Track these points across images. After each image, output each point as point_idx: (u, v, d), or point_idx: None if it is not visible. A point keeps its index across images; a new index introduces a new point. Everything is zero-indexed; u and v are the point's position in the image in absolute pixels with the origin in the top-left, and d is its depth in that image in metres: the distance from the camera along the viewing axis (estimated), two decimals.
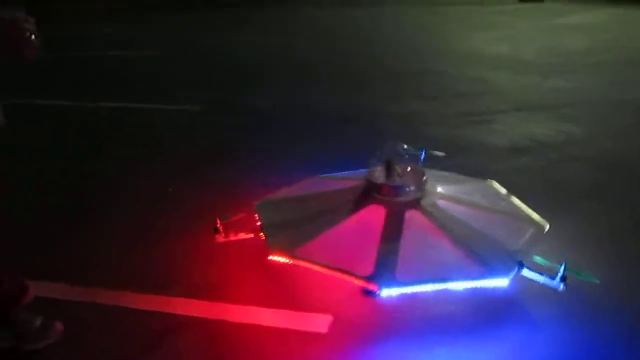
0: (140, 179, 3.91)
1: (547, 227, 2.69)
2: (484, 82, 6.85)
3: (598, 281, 2.29)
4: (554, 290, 2.33)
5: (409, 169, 2.75)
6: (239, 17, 13.74)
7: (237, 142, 4.68)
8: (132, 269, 2.81)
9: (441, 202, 2.68)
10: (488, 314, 2.43)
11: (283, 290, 2.58)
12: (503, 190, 3.10)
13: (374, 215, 2.57)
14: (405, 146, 2.82)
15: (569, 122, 5.20)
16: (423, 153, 3.49)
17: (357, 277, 2.29)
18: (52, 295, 2.59)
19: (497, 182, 3.28)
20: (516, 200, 2.97)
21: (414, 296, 2.35)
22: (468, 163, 4.09)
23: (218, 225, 2.67)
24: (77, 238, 3.11)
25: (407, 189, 2.66)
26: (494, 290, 2.35)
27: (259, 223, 2.72)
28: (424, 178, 2.72)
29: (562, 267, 2.29)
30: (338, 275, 2.33)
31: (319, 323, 2.39)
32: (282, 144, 4.60)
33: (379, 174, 2.73)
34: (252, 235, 2.71)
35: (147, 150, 4.50)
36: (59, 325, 2.29)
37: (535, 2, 16.51)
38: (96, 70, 7.56)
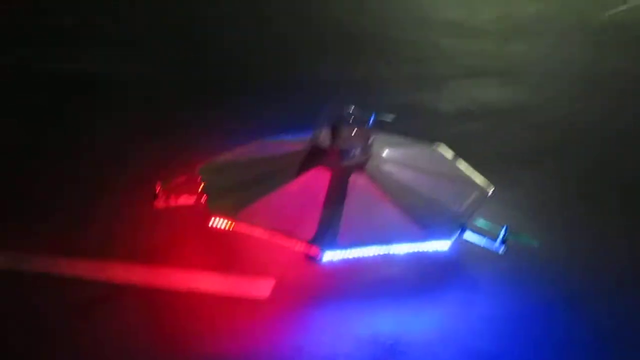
0: (86, 141, 3.75)
1: (491, 190, 2.71)
2: (437, 48, 6.81)
3: (537, 244, 2.32)
4: (495, 252, 2.36)
5: (355, 132, 2.70)
6: None
7: (182, 105, 4.53)
8: (70, 235, 2.70)
9: (387, 166, 2.66)
10: (430, 276, 2.45)
11: (225, 256, 2.54)
12: (450, 154, 3.10)
13: (319, 178, 2.53)
14: (353, 108, 2.76)
15: (520, 88, 5.24)
16: (372, 116, 3.46)
17: (298, 239, 2.26)
18: None
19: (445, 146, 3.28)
20: (462, 164, 2.97)
21: (357, 260, 2.35)
22: (417, 127, 4.07)
23: (157, 190, 2.57)
24: (17, 202, 2.96)
25: (353, 153, 2.62)
26: (436, 253, 2.36)
27: (201, 187, 2.64)
28: (370, 141, 2.69)
29: (503, 230, 2.31)
30: (280, 238, 2.30)
31: (261, 288, 2.37)
32: (229, 108, 4.48)
33: (324, 137, 2.68)
34: (193, 200, 2.63)
35: (96, 111, 4.31)
36: None
37: None
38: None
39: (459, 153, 3.28)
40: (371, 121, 3.39)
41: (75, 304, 2.28)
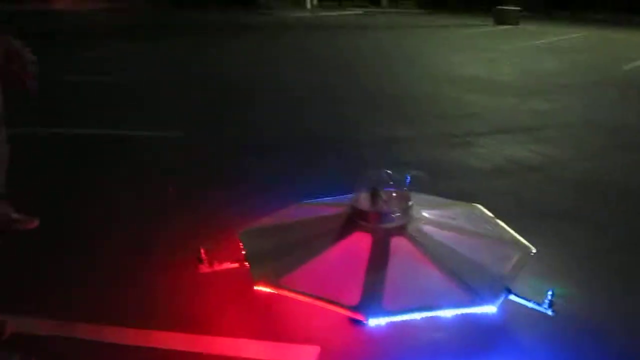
0: (123, 208, 3.82)
1: (533, 251, 2.69)
2: (462, 104, 6.92)
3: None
4: (543, 315, 2.32)
5: (394, 194, 2.73)
6: (223, 40, 13.74)
7: (220, 169, 4.61)
8: (114, 301, 2.72)
9: (427, 228, 2.67)
10: (477, 340, 2.40)
11: (269, 321, 2.52)
12: (488, 214, 3.10)
13: (360, 242, 2.55)
14: (389, 172, 2.80)
15: (547, 143, 5.26)
16: (408, 178, 3.50)
17: (343, 307, 2.26)
18: (31, 331, 2.51)
19: (481, 205, 3.29)
20: (501, 224, 2.97)
21: (402, 324, 2.32)
22: (451, 186, 4.09)
23: (202, 254, 2.61)
24: (59, 270, 3.01)
25: (393, 216, 2.64)
26: (482, 316, 2.33)
27: (243, 252, 2.67)
28: (409, 203, 2.71)
29: (550, 293, 2.28)
30: (324, 305, 2.29)
31: (306, 354, 2.34)
32: (266, 171, 4.54)
33: (363, 201, 2.71)
34: (236, 265, 2.66)
35: (129, 180, 4.40)
36: None
37: (511, 25, 16.86)
38: (79, 95, 7.45)
39: (495, 210, 3.28)
40: (407, 182, 3.43)
41: None
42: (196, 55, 10.93)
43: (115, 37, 14.16)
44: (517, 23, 16.97)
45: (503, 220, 3.05)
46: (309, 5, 23.95)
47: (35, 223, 3.42)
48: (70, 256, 3.16)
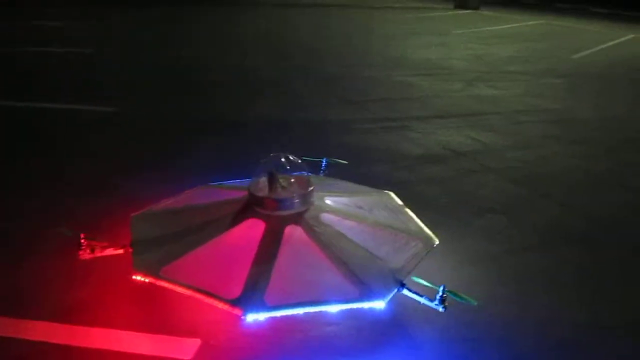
0: (28, 188, 3.60)
1: (436, 242, 2.60)
2: (407, 88, 6.80)
3: (476, 303, 2.19)
4: (436, 311, 2.23)
5: (293, 180, 2.59)
6: (175, 16, 13.31)
7: (141, 150, 4.40)
8: None
9: (326, 216, 2.54)
10: (368, 336, 2.31)
11: (150, 313, 2.38)
12: (398, 203, 3.00)
13: (252, 230, 2.41)
14: (291, 157, 2.65)
15: (485, 130, 5.19)
16: (324, 162, 3.36)
17: (221, 300, 2.12)
18: None
19: (400, 193, 3.18)
20: (410, 214, 2.87)
21: (290, 318, 2.21)
22: (374, 172, 3.98)
23: (82, 240, 2.43)
24: None
25: (290, 202, 2.50)
26: (371, 311, 2.23)
27: (130, 238, 2.50)
28: (309, 189, 2.57)
29: (441, 289, 2.18)
30: (203, 297, 2.15)
31: (186, 348, 2.20)
32: (185, 153, 4.35)
33: (261, 186, 2.57)
34: (121, 251, 2.49)
35: (45, 156, 4.15)
36: None
37: (471, 9, 16.80)
38: (20, 67, 7.09)
39: (417, 199, 3.18)
40: (322, 167, 3.30)
41: None
42: (146, 31, 10.54)
43: (65, 8, 13.58)
44: (477, 8, 16.90)
45: (419, 210, 2.94)
46: None
47: None
48: None
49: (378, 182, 3.49)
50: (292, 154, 2.72)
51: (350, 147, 4.53)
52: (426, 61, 8.57)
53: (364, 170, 3.91)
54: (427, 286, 2.28)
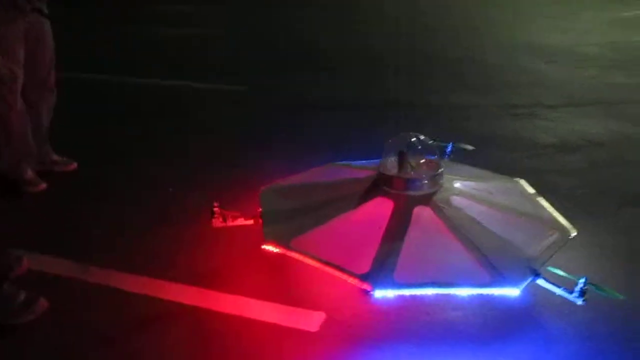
0: (162, 158, 3.83)
1: (574, 234, 2.43)
2: (536, 74, 6.43)
3: (622, 297, 2.03)
4: (573, 304, 2.10)
5: (422, 161, 2.53)
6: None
7: (270, 126, 4.53)
8: (132, 250, 2.74)
9: (456, 199, 2.47)
10: (497, 324, 2.22)
11: (277, 283, 2.44)
12: (531, 190, 2.84)
13: (381, 209, 2.39)
14: (422, 137, 2.59)
15: (625, 120, 4.80)
16: (450, 146, 3.27)
17: (350, 274, 2.12)
18: (46, 269, 2.55)
19: (531, 181, 3.01)
20: (544, 202, 2.71)
21: (417, 299, 2.18)
22: (503, 159, 3.81)
23: (215, 208, 2.54)
24: (86, 215, 3.06)
25: (419, 183, 2.45)
26: (505, 299, 2.14)
27: (259, 209, 2.58)
28: (439, 171, 2.51)
29: (582, 281, 2.04)
30: (332, 271, 2.17)
31: (311, 321, 2.24)
32: (307, 129, 4.42)
33: (390, 166, 2.54)
34: (252, 222, 2.57)
35: (176, 131, 4.40)
36: (43, 302, 2.24)
37: None
38: (145, 48, 7.56)
39: (549, 189, 3.00)
40: (448, 151, 3.21)
41: (130, 319, 2.27)
42: (272, 13, 10.81)
43: None
44: None
45: (553, 200, 2.78)
46: None
47: (74, 165, 3.48)
48: (99, 202, 3.20)
49: (505, 171, 3.33)
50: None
51: (473, 133, 4.36)
52: (554, 46, 8.07)
53: (488, 157, 3.73)
54: (565, 277, 2.14)
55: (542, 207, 2.66)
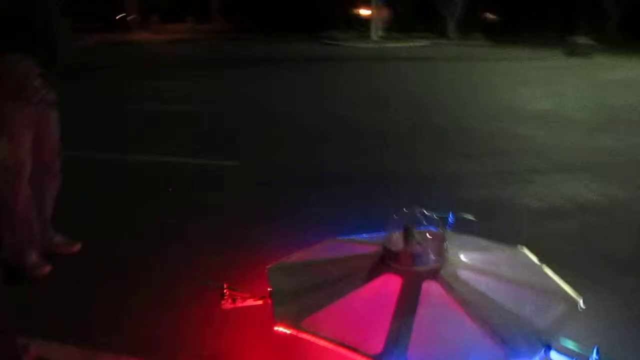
0: (162, 237, 3.83)
1: (581, 303, 2.46)
2: (524, 140, 6.63)
3: None
4: None
5: (428, 235, 2.58)
6: (280, 74, 13.94)
7: (265, 201, 4.57)
8: (138, 332, 2.71)
9: (463, 273, 2.50)
10: None
11: None
12: (534, 259, 2.89)
13: (389, 285, 2.41)
14: (426, 212, 2.65)
15: (614, 184, 4.92)
16: (451, 216, 3.32)
17: (364, 355, 2.12)
18: (52, 357, 2.52)
19: (530, 249, 3.07)
20: (548, 271, 2.75)
21: None
22: (501, 227, 3.85)
23: (225, 290, 2.55)
24: (91, 297, 3.03)
25: (426, 258, 2.49)
26: None
27: (268, 289, 2.59)
28: (445, 245, 2.55)
29: (594, 352, 2.06)
30: (345, 351, 2.17)
31: None
32: (305, 205, 4.46)
33: (396, 240, 2.58)
34: (260, 302, 2.58)
35: (171, 209, 4.43)
36: None
37: (583, 56, 16.24)
38: (136, 124, 7.70)
39: (547, 256, 3.04)
40: (449, 221, 3.26)
41: None
42: (256, 89, 11.10)
43: (179, 68, 14.68)
44: (589, 55, 16.32)
45: (554, 268, 2.82)
46: (374, 37, 23.96)
47: (77, 247, 3.48)
48: (103, 283, 3.17)
49: (503, 239, 3.38)
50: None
51: (468, 201, 4.43)
52: (540, 112, 8.34)
53: (486, 225, 3.78)
54: (575, 350, 2.15)
55: (547, 276, 2.69)
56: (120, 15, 30.16)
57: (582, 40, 17.01)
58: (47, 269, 3.21)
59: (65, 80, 3.30)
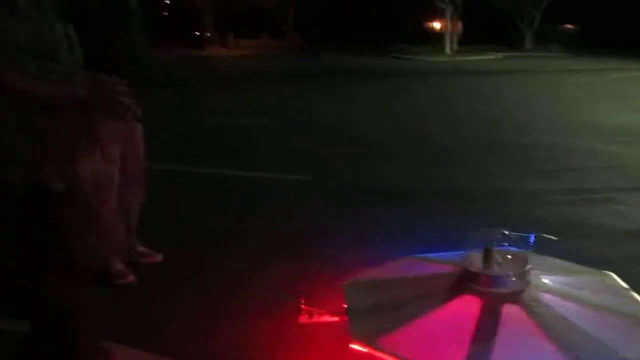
0: (239, 250, 3.91)
1: None
2: (604, 156, 6.35)
3: None
4: None
5: (509, 256, 2.51)
6: (350, 89, 14.00)
7: (337, 216, 4.59)
8: (215, 344, 2.77)
9: (546, 297, 2.40)
10: None
11: None
12: (623, 285, 2.74)
13: (468, 307, 2.35)
14: (507, 232, 2.58)
15: None
16: (532, 237, 3.22)
17: None
18: None
19: (616, 273, 2.92)
20: (637, 297, 2.61)
21: None
22: (583, 249, 3.70)
23: (301, 304, 2.57)
24: (169, 308, 3.13)
25: (507, 280, 2.42)
26: None
27: (344, 306, 2.59)
28: (527, 267, 2.47)
29: None
30: None
31: None
32: (377, 221, 4.44)
33: (475, 261, 2.52)
34: (337, 319, 2.58)
35: (245, 222, 4.52)
36: None
37: None
38: (209, 137, 7.93)
39: (634, 280, 2.89)
40: (530, 242, 3.16)
41: None
42: (327, 103, 11.20)
43: (252, 82, 15.00)
44: None
45: None
46: (448, 50, 23.66)
47: (158, 258, 3.62)
48: (183, 294, 3.27)
49: (587, 261, 3.23)
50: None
51: (547, 221, 4.28)
52: (620, 126, 7.97)
53: (568, 247, 3.63)
54: None
55: (636, 302, 2.55)
56: (198, 32, 31.35)
57: None
58: (132, 277, 3.35)
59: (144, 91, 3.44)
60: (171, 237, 4.05)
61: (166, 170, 5.81)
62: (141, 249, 3.60)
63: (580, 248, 3.73)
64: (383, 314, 2.46)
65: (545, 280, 2.54)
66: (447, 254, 2.96)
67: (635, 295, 2.63)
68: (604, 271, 2.87)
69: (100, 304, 2.97)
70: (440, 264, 2.85)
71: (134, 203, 3.47)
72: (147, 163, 3.56)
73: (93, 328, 2.49)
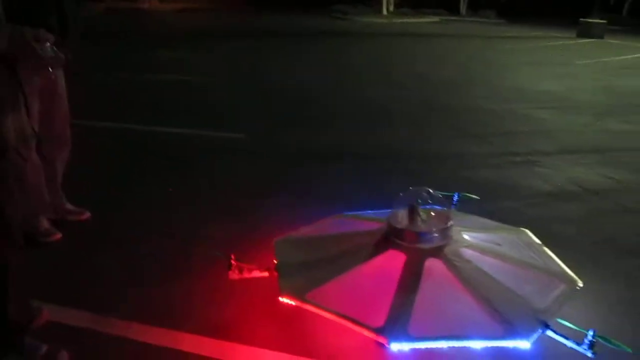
0: (173, 208, 3.89)
1: (580, 285, 2.51)
2: (531, 121, 6.63)
3: (630, 350, 2.09)
4: (583, 355, 2.16)
5: (433, 213, 2.63)
6: (296, 48, 13.85)
7: (274, 176, 4.61)
8: (147, 301, 2.77)
9: (466, 252, 2.55)
10: None
11: (293, 335, 2.48)
12: (536, 241, 2.93)
13: (393, 261, 2.47)
14: (432, 191, 2.70)
15: (621, 168, 4.93)
16: (456, 196, 3.37)
17: (366, 328, 2.19)
18: (65, 321, 2.59)
19: (533, 230, 3.12)
20: (549, 253, 2.80)
21: (429, 351, 2.22)
22: (505, 208, 3.91)
23: (232, 261, 2.61)
24: (102, 265, 3.09)
25: (430, 236, 2.54)
26: (517, 350, 2.20)
27: (275, 261, 2.65)
28: (449, 224, 2.60)
29: (591, 333, 2.11)
30: (347, 324, 2.23)
31: None
32: (313, 180, 4.50)
33: (401, 218, 2.63)
34: (266, 274, 2.64)
35: (183, 178, 4.48)
36: (64, 355, 2.27)
37: (595, 38, 16.07)
38: (142, 94, 7.71)
39: (550, 238, 3.09)
40: (454, 201, 3.31)
41: None
42: (267, 62, 11.06)
43: (185, 39, 14.57)
44: (601, 36, 16.13)
45: (555, 249, 2.87)
46: (384, 11, 23.73)
47: (87, 215, 3.55)
48: (111, 252, 3.23)
49: (508, 219, 3.42)
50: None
51: (475, 181, 4.47)
52: (549, 93, 8.31)
53: (491, 206, 3.83)
54: (574, 329, 2.21)
55: (548, 257, 2.74)
56: None
57: (595, 20, 16.80)
58: (58, 235, 3.28)
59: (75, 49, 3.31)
60: (102, 195, 3.97)
61: (97, 127, 5.65)
62: (68, 206, 3.52)
63: (503, 207, 3.93)
64: (312, 268, 2.54)
65: (466, 236, 2.68)
66: (375, 211, 3.06)
67: (548, 251, 2.82)
68: (520, 228, 3.05)
69: (28, 263, 2.90)
70: (368, 221, 2.95)
71: (58, 161, 3.36)
72: (74, 119, 3.44)
73: (23, 287, 2.45)
